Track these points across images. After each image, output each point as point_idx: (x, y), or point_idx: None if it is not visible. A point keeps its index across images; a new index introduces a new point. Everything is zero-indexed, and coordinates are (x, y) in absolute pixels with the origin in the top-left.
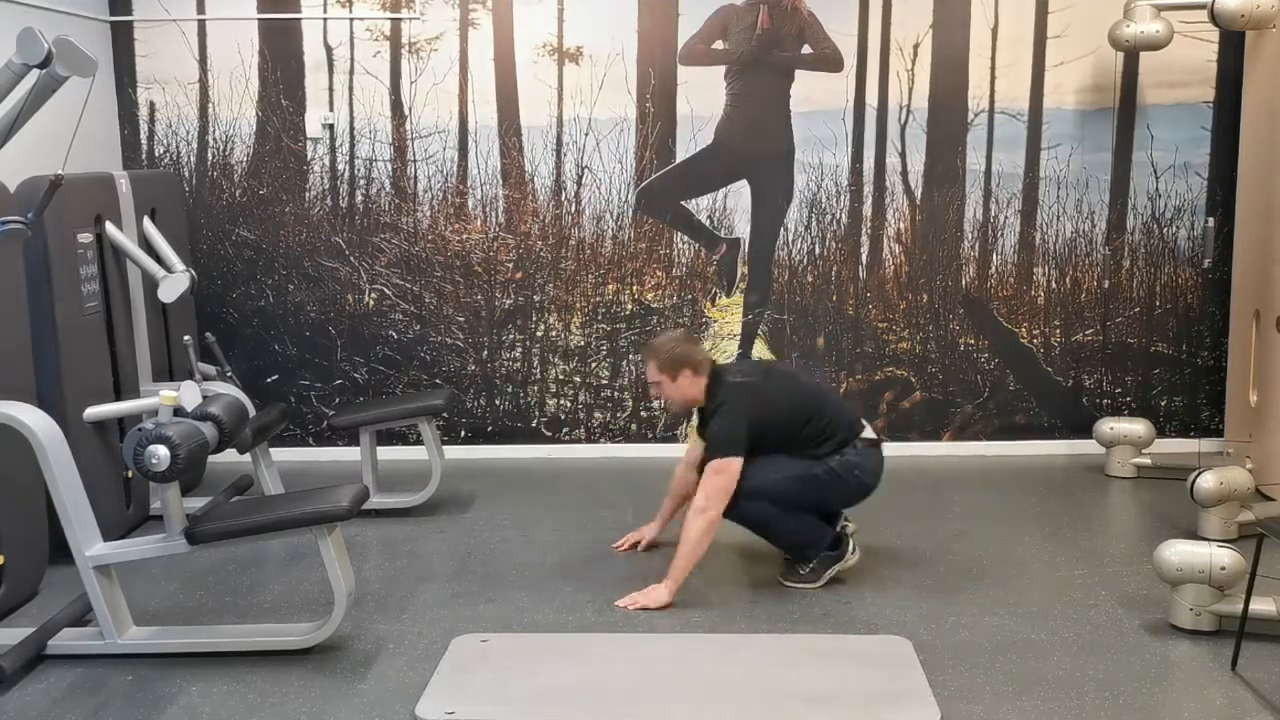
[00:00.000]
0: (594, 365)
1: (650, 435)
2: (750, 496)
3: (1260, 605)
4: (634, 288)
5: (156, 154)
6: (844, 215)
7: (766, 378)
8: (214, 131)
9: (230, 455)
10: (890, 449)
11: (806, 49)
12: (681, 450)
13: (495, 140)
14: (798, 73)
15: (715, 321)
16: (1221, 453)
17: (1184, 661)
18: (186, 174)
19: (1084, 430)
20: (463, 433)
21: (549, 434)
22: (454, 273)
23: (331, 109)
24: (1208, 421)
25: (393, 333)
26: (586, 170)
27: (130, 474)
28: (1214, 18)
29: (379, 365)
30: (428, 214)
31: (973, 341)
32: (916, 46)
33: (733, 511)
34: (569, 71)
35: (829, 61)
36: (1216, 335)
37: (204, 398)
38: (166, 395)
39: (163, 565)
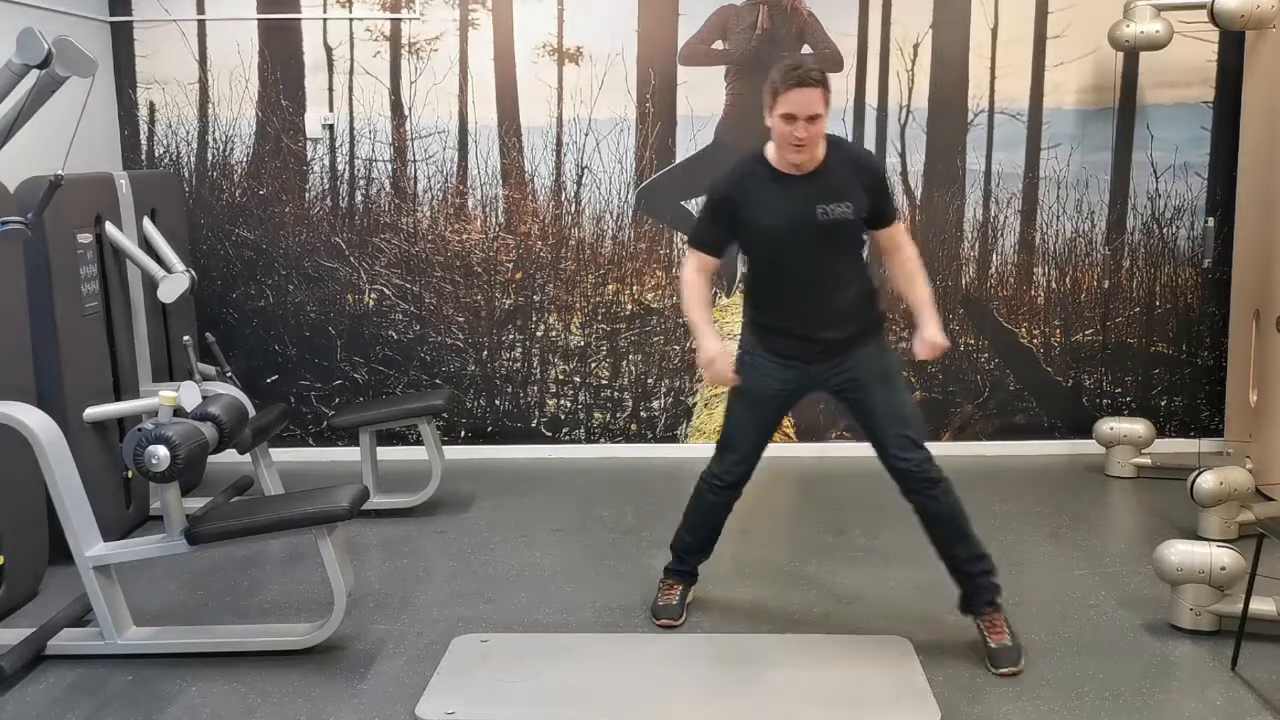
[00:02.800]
0: (594, 365)
1: (650, 435)
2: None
3: (1260, 605)
4: (634, 288)
5: (156, 154)
6: None
7: None
8: (214, 132)
9: (230, 455)
10: None
11: (806, 49)
12: (682, 450)
13: (495, 140)
14: None
15: (715, 321)
16: (1221, 453)
17: (1184, 661)
18: (186, 174)
19: (1084, 430)
20: (463, 433)
21: (549, 434)
22: (454, 273)
23: (331, 109)
24: (1208, 421)
25: (393, 333)
26: (586, 170)
27: (130, 474)
28: (1214, 18)
29: (379, 365)
30: (427, 214)
31: (973, 341)
32: (916, 46)
33: (935, 488)
34: (569, 71)
35: (828, 61)
36: (1216, 335)
37: (204, 398)
38: (166, 395)
39: (163, 565)
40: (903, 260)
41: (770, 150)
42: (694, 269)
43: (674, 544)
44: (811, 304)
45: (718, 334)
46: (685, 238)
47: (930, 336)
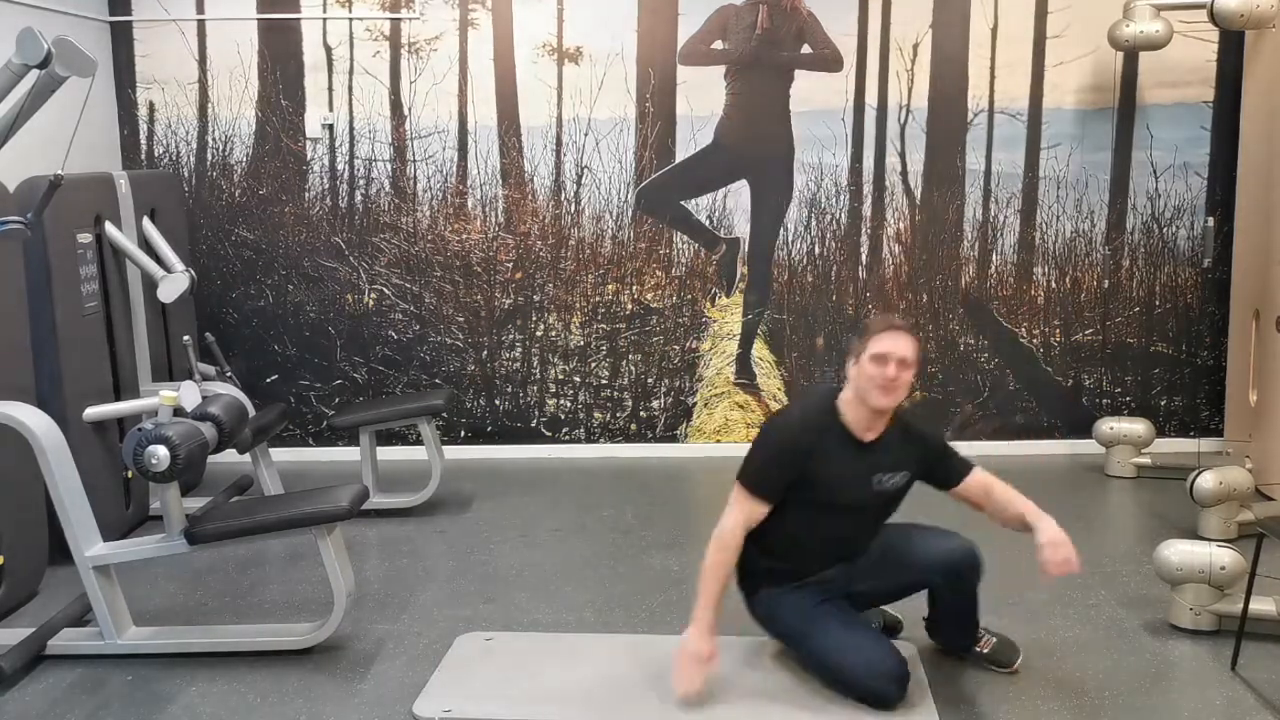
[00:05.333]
0: (594, 365)
1: (650, 435)
2: None
3: (1260, 605)
4: (634, 288)
5: (156, 154)
6: (844, 215)
7: None
8: (213, 131)
9: (230, 455)
10: None
11: (806, 49)
12: (681, 450)
13: (495, 140)
14: (797, 73)
15: (715, 321)
16: (1221, 452)
17: (1184, 661)
18: (186, 174)
19: (1084, 430)
20: (462, 433)
21: (549, 434)
22: (454, 273)
23: (331, 109)
24: (1207, 421)
25: (392, 333)
26: (586, 170)
27: (130, 474)
28: (1214, 18)
29: (379, 365)
30: (427, 214)
31: (973, 341)
32: (916, 46)
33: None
34: (569, 71)
35: (828, 61)
36: (1216, 335)
37: (204, 398)
38: (166, 395)
39: (163, 565)
40: (999, 493)
41: (844, 404)
42: (737, 525)
43: None
44: (835, 560)
45: (713, 630)
46: (685, 237)
47: (1052, 535)
